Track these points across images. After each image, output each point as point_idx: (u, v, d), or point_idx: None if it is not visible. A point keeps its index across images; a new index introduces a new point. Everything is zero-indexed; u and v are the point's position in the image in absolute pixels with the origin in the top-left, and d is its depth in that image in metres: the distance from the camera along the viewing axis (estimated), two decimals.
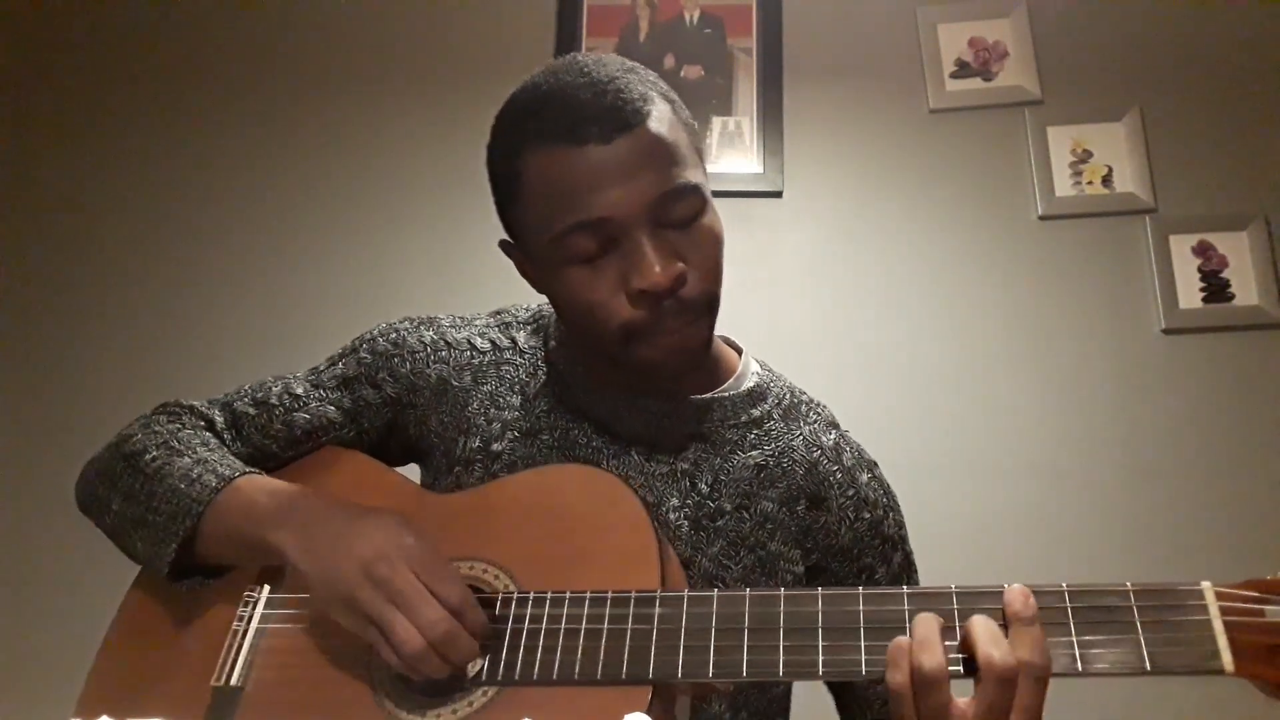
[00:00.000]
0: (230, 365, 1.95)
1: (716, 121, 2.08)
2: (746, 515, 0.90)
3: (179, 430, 0.94)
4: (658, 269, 0.80)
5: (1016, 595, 0.67)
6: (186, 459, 0.88)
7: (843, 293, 2.00)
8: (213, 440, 0.94)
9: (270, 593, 0.86)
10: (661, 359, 0.85)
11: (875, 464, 0.99)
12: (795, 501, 0.92)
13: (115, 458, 0.93)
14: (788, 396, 0.98)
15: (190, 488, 0.85)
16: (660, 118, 0.83)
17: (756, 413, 0.95)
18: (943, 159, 2.05)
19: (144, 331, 2.00)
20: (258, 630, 0.84)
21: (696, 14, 2.15)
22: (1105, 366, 1.91)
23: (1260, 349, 1.89)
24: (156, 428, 0.94)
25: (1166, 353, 1.91)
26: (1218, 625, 0.64)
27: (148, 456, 0.90)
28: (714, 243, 0.86)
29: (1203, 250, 1.94)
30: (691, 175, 0.84)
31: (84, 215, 2.08)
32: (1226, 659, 0.63)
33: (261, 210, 2.07)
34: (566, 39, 2.11)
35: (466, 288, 1.91)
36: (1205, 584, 0.66)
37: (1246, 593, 0.65)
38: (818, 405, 1.00)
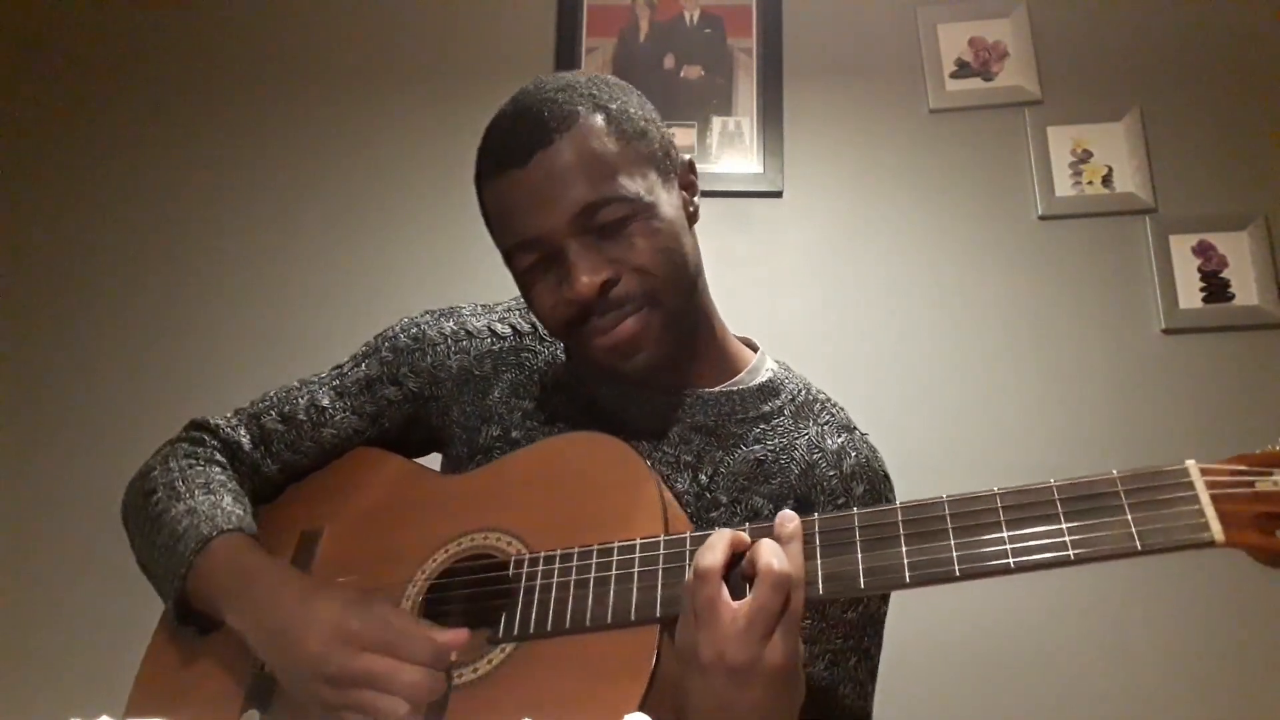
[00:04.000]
0: (230, 364, 1.95)
1: (716, 121, 2.08)
2: (738, 510, 0.91)
3: (189, 467, 0.96)
4: (584, 279, 0.84)
5: (778, 518, 0.74)
6: (180, 506, 0.91)
7: (843, 292, 2.00)
8: (217, 477, 0.96)
9: None
10: (603, 356, 0.89)
11: (885, 478, 0.96)
12: (784, 500, 0.92)
13: (138, 491, 0.97)
14: (803, 394, 0.98)
15: (177, 544, 0.89)
16: (583, 131, 0.85)
17: (767, 408, 0.96)
18: (943, 159, 2.05)
19: (143, 331, 2.00)
20: None
21: (696, 14, 2.15)
22: (1105, 366, 1.91)
23: (1260, 349, 1.89)
24: (172, 463, 0.97)
25: (1166, 353, 1.91)
26: (1204, 498, 0.66)
27: (154, 498, 0.94)
28: (654, 242, 0.87)
29: (1203, 250, 1.94)
30: (619, 185, 0.85)
31: (83, 215, 2.08)
32: (1215, 529, 0.64)
33: (261, 210, 2.07)
34: (566, 39, 2.11)
35: (466, 288, 1.90)
36: (1190, 462, 0.68)
37: (1234, 467, 0.67)
38: (833, 406, 0.99)
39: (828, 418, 0.97)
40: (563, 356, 1.01)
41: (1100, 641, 1.76)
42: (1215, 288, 1.92)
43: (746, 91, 2.10)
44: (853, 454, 0.94)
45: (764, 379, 0.98)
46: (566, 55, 2.09)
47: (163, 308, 2.02)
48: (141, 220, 2.07)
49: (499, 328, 1.03)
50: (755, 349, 1.03)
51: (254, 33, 2.17)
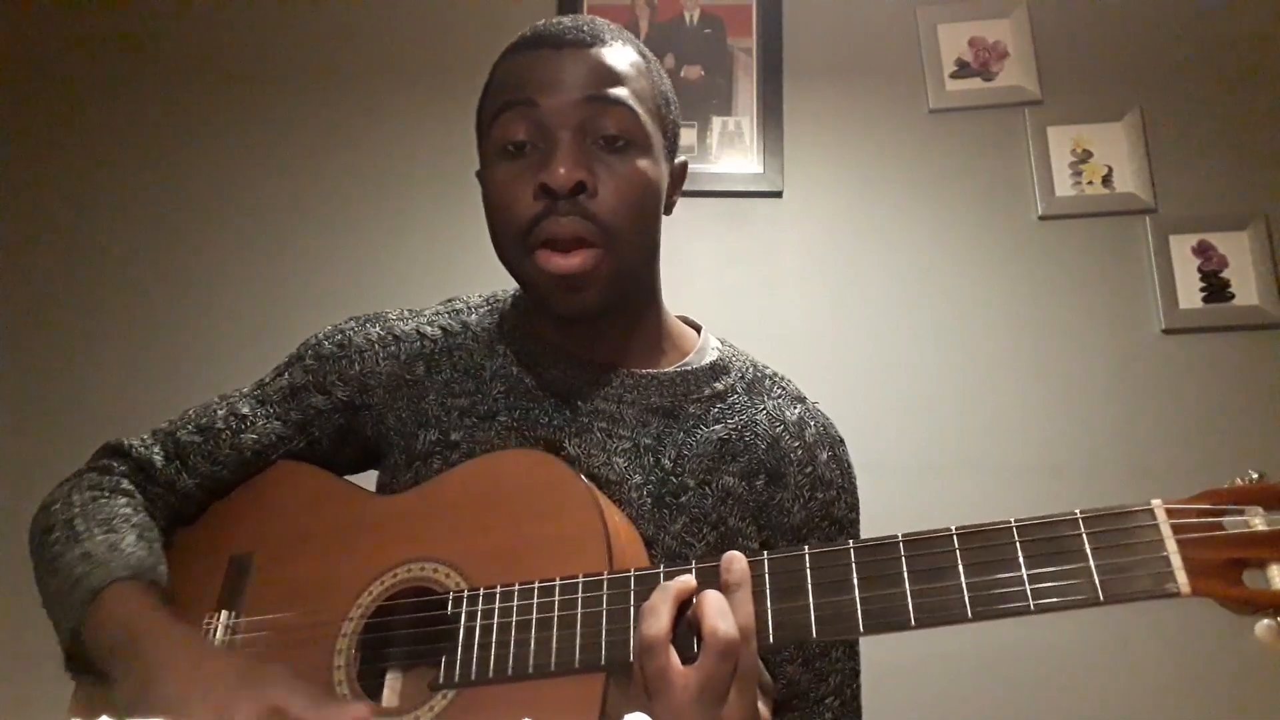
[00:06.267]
0: (229, 362, 1.93)
1: (716, 121, 2.08)
2: (709, 491, 0.89)
3: (93, 500, 0.91)
4: (562, 170, 0.83)
5: (724, 561, 0.71)
6: (76, 550, 0.85)
7: (843, 293, 2.00)
8: (121, 511, 0.89)
9: (229, 618, 0.87)
10: (548, 283, 0.86)
11: (840, 441, 0.97)
12: (755, 476, 0.91)
13: (39, 526, 0.92)
14: (751, 370, 0.98)
15: (72, 593, 0.83)
16: (621, 55, 0.89)
17: (720, 386, 0.95)
18: (943, 159, 2.05)
19: (142, 329, 2.00)
20: None
21: (696, 14, 2.15)
22: (1105, 366, 1.91)
23: (1260, 349, 1.89)
24: (75, 496, 0.91)
25: (1166, 353, 1.91)
26: (1170, 545, 0.62)
27: (51, 537, 0.88)
28: (636, 181, 0.87)
29: (1203, 250, 1.94)
30: (632, 101, 0.87)
31: (82, 213, 2.08)
32: (1181, 580, 0.61)
33: (260, 209, 2.07)
34: None
35: (465, 287, 1.90)
36: (1156, 502, 0.64)
37: (1201, 506, 0.63)
38: (782, 379, 0.99)
39: (779, 391, 0.97)
40: (500, 348, 0.97)
41: (1099, 640, 1.75)
42: (1215, 288, 1.92)
43: (746, 91, 2.10)
44: (812, 423, 0.95)
45: (713, 358, 0.97)
46: None
47: (162, 306, 2.02)
48: (141, 219, 2.07)
49: (427, 330, 0.99)
50: (698, 329, 1.02)
51: (253, 30, 2.17)
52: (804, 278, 2.01)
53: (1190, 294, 1.92)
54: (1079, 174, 2.01)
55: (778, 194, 2.04)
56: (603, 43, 0.89)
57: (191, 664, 0.76)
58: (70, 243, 2.06)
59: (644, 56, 0.92)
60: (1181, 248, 1.94)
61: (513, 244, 0.88)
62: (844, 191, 2.05)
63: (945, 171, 2.04)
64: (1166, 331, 1.91)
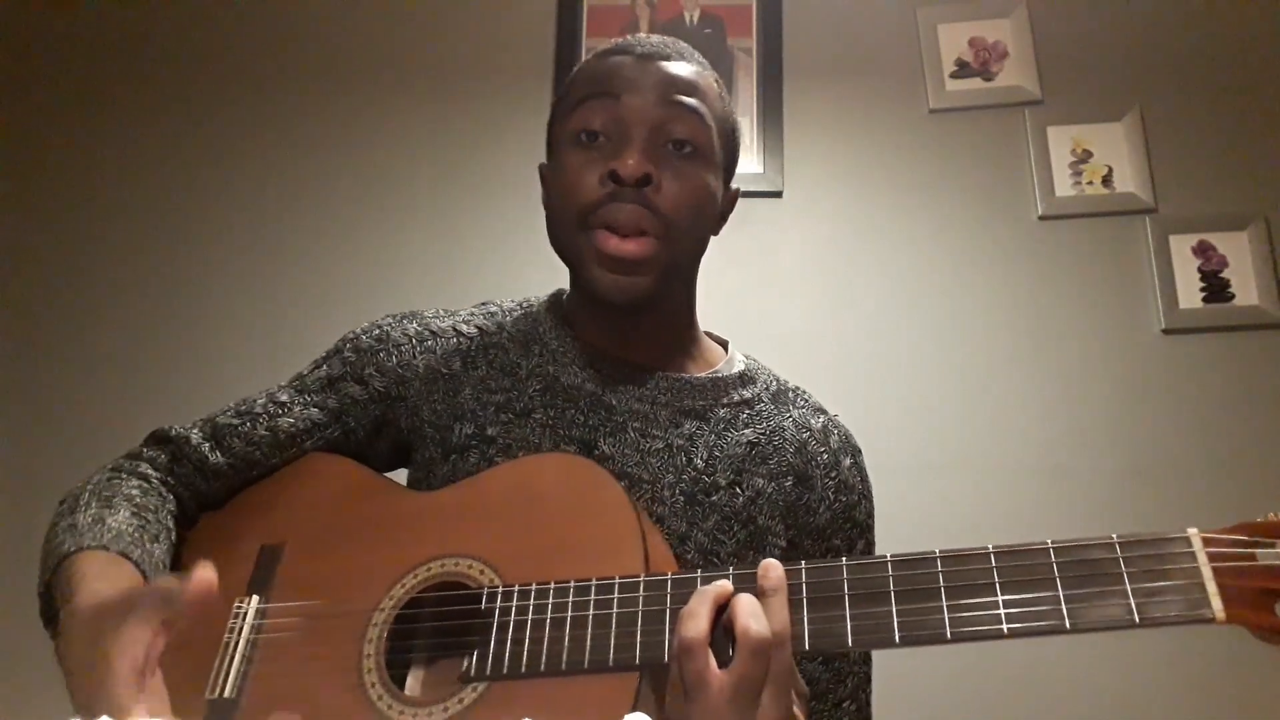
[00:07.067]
0: (229, 362, 1.95)
1: None
2: (739, 491, 0.92)
3: (107, 481, 0.93)
4: (631, 160, 0.88)
5: (760, 568, 0.72)
6: (67, 521, 0.88)
7: (843, 293, 2.00)
8: (125, 491, 0.91)
9: (259, 603, 0.87)
10: (601, 262, 0.90)
11: (859, 450, 1.01)
12: (784, 477, 0.94)
13: (61, 500, 0.94)
14: (775, 383, 1.02)
15: (50, 556, 0.86)
16: (701, 75, 0.95)
17: (747, 394, 0.98)
18: (943, 159, 2.05)
19: (143, 330, 2.00)
20: (249, 641, 0.85)
21: (696, 14, 2.15)
22: (1105, 366, 1.91)
23: (1260, 349, 1.89)
24: (97, 475, 0.94)
25: (1166, 353, 1.91)
26: (1206, 572, 0.63)
27: (61, 509, 0.91)
28: (698, 186, 0.93)
29: (1203, 250, 1.94)
30: (707, 115, 0.93)
31: (84, 213, 2.08)
32: (1217, 606, 0.62)
33: (260, 209, 2.07)
34: (566, 39, 2.11)
35: (465, 287, 1.91)
36: (1192, 530, 0.66)
37: (1235, 537, 0.64)
38: (804, 392, 1.03)
39: (803, 402, 1.01)
40: (535, 349, 0.99)
41: (1100, 645, 1.76)
42: (1215, 288, 1.92)
43: (746, 91, 2.10)
44: (835, 431, 1.00)
45: (740, 368, 1.01)
46: (566, 55, 2.09)
47: (163, 306, 2.02)
48: (142, 220, 2.07)
49: (464, 328, 1.02)
50: (724, 344, 1.06)
51: (254, 32, 2.17)
52: (804, 278, 2.01)
53: (1190, 294, 1.92)
54: (1079, 174, 2.01)
55: (778, 194, 2.04)
56: (685, 60, 0.95)
57: (74, 637, 0.76)
58: (71, 241, 2.06)
59: (720, 85, 0.99)
60: (1181, 248, 1.95)
61: (571, 223, 0.92)
62: (844, 191, 2.05)
63: (945, 171, 2.04)
64: (1166, 331, 1.91)
